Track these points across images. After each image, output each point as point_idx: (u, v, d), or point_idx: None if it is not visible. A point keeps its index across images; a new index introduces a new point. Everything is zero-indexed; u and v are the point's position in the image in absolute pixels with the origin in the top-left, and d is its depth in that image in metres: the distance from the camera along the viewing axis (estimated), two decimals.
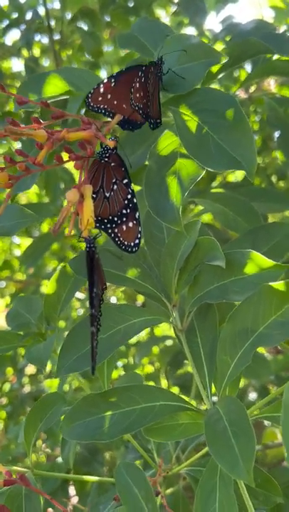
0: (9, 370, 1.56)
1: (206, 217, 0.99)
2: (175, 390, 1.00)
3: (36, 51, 1.39)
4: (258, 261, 0.41)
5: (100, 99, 0.41)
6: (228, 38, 0.86)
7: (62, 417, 0.46)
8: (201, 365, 0.45)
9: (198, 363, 0.45)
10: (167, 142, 0.49)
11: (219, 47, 1.04)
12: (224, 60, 0.43)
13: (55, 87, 0.49)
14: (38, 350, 0.50)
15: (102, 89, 0.41)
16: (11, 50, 1.32)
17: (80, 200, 0.35)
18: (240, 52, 0.54)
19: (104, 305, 0.42)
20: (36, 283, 1.48)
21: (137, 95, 0.42)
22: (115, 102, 0.42)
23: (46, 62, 1.43)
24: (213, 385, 0.45)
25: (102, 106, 0.42)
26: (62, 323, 1.22)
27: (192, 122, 0.42)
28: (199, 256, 0.46)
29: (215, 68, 0.54)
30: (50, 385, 1.26)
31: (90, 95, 0.41)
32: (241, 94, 0.78)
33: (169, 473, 0.52)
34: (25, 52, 1.22)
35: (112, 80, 0.41)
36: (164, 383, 1.09)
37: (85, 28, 1.13)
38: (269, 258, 0.56)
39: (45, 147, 0.37)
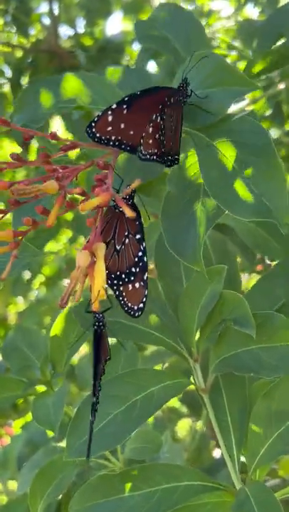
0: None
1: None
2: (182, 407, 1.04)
3: None
4: None
5: (110, 129, 0.40)
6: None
7: None
8: (228, 433, 0.47)
9: (224, 431, 0.47)
10: (191, 162, 0.48)
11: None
12: (257, 93, 0.43)
13: (68, 101, 0.48)
14: (46, 409, 0.52)
15: (110, 118, 0.40)
16: None
17: (91, 261, 0.35)
18: (272, 63, 0.54)
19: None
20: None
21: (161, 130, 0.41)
22: (131, 133, 0.41)
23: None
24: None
25: (113, 137, 0.41)
26: None
27: (216, 155, 0.42)
28: (224, 311, 0.47)
29: None
30: None
31: (93, 124, 0.40)
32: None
33: None
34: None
35: (124, 107, 0.40)
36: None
37: None
38: None
39: (56, 204, 0.37)
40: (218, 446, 1.06)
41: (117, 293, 0.44)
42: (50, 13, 1.36)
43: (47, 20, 1.45)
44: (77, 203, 0.38)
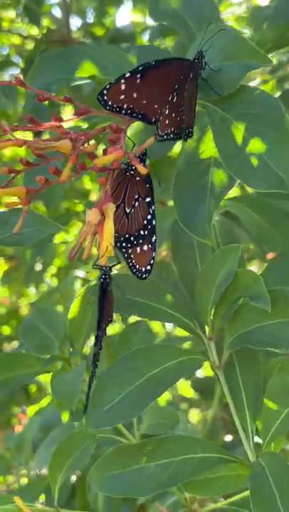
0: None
1: None
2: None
3: None
4: None
5: (123, 97, 0.41)
6: None
7: None
8: (242, 408, 0.49)
9: (239, 407, 0.49)
10: (202, 136, 0.49)
11: None
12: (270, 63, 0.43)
13: (82, 71, 0.49)
14: (65, 383, 0.53)
15: (123, 86, 0.41)
16: None
17: (101, 220, 0.36)
18: (282, 37, 0.55)
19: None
20: None
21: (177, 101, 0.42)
22: (144, 102, 0.42)
23: None
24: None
25: (126, 106, 0.41)
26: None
27: (231, 127, 0.43)
28: (238, 288, 0.48)
29: None
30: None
31: (105, 92, 0.41)
32: None
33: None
34: None
35: (138, 76, 0.41)
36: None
37: None
38: None
39: (69, 161, 0.38)
40: (228, 432, 1.08)
41: (126, 255, 0.45)
42: (63, 3, 1.37)
43: (57, 11, 1.46)
44: (89, 166, 0.39)
